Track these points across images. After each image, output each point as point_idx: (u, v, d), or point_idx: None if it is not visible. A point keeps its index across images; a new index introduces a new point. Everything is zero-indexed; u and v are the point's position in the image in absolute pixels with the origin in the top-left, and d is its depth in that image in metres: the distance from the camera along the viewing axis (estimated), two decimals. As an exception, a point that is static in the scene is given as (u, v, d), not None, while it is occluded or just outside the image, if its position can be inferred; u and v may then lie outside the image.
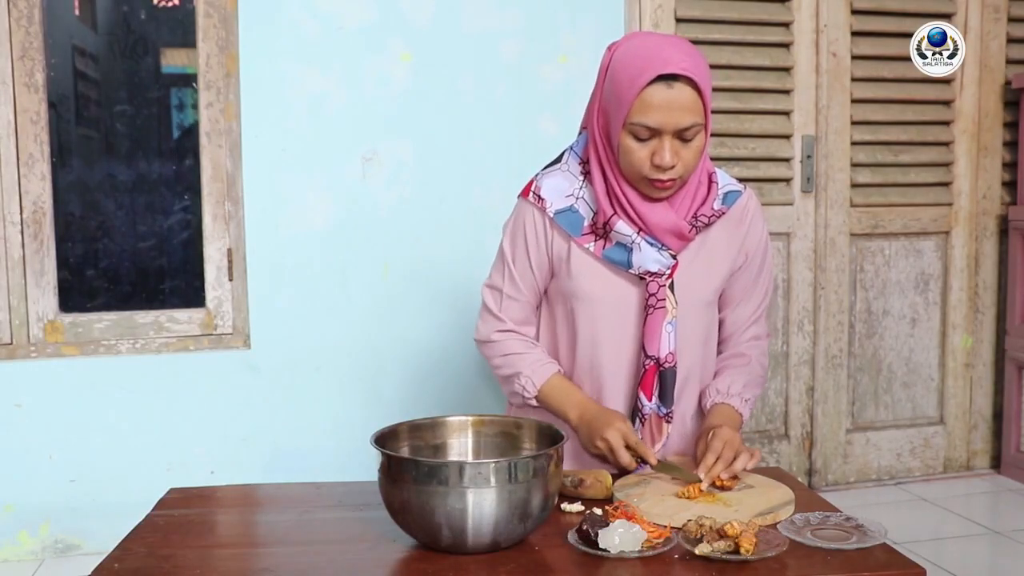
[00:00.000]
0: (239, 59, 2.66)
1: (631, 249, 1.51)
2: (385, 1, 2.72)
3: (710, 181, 1.56)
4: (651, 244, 1.51)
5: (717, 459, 1.41)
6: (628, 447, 1.47)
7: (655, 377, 1.54)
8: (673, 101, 1.40)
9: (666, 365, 1.54)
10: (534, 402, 1.59)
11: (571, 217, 1.55)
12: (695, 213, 1.53)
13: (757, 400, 1.69)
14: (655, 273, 1.52)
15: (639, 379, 1.56)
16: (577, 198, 1.55)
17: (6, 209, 2.61)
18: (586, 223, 1.55)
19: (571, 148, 1.60)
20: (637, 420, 1.57)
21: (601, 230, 1.53)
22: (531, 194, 1.57)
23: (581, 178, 1.56)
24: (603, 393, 1.59)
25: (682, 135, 1.43)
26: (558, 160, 1.61)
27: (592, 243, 1.54)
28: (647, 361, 1.54)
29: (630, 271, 1.53)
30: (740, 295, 1.65)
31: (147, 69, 2.90)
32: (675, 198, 1.52)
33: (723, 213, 1.56)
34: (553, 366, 1.60)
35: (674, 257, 1.52)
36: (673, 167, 1.44)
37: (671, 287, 1.53)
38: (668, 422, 1.58)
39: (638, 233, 1.50)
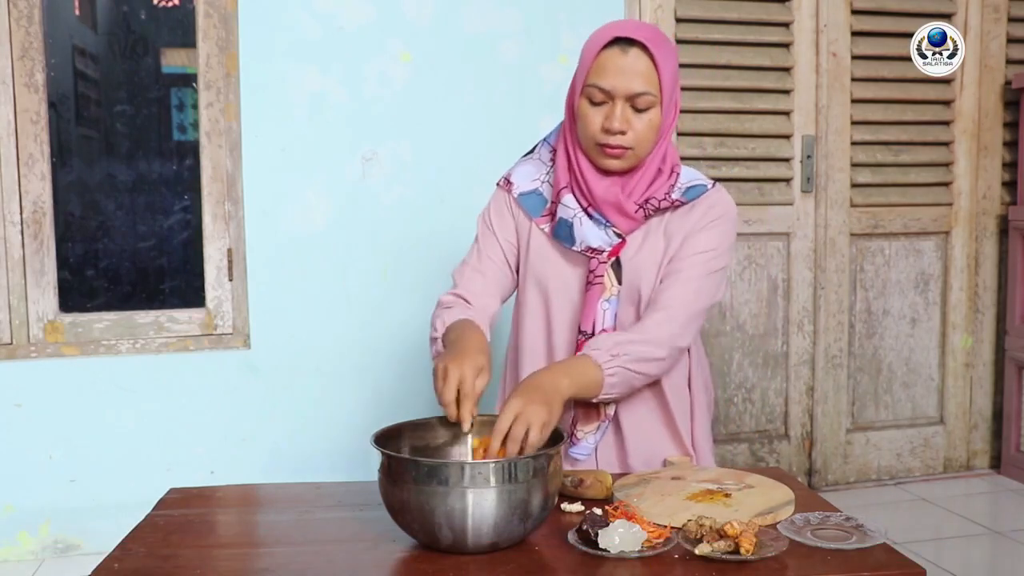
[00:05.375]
0: (239, 59, 2.66)
1: (571, 224, 1.53)
2: (385, 1, 2.72)
3: (672, 172, 1.55)
4: (595, 220, 1.53)
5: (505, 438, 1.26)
6: (460, 394, 1.30)
7: None
8: (627, 66, 1.45)
9: None
10: (440, 344, 1.47)
11: (533, 199, 1.61)
12: (647, 197, 1.54)
13: (643, 363, 1.45)
14: (594, 249, 1.53)
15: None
16: (542, 182, 1.61)
17: (6, 209, 2.61)
18: (547, 207, 1.60)
19: (545, 139, 1.66)
20: None
21: (553, 205, 1.57)
22: (503, 180, 1.66)
23: (549, 164, 1.62)
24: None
25: (634, 102, 1.46)
26: (532, 151, 1.68)
27: (547, 224, 1.59)
28: (579, 337, 1.54)
29: (574, 248, 1.54)
30: (666, 275, 1.53)
31: (147, 69, 2.90)
32: (629, 179, 1.53)
33: (679, 204, 1.53)
34: (471, 318, 1.49)
35: (620, 236, 1.53)
36: (624, 133, 1.46)
37: (616, 266, 1.53)
38: (604, 405, 1.54)
39: (583, 209, 1.53)
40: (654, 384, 1.58)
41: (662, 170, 1.54)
